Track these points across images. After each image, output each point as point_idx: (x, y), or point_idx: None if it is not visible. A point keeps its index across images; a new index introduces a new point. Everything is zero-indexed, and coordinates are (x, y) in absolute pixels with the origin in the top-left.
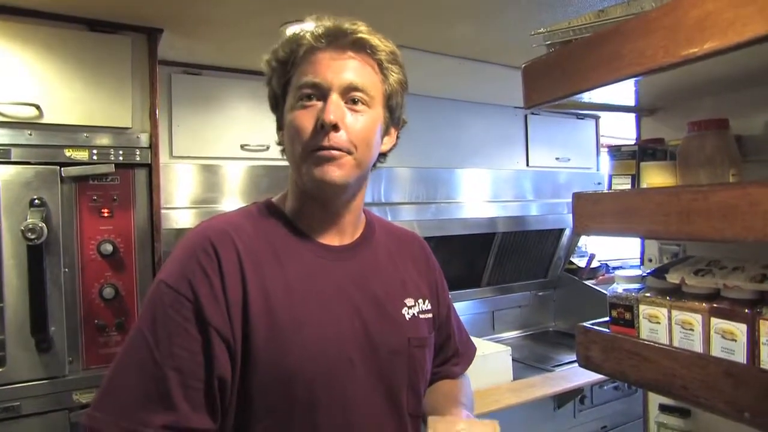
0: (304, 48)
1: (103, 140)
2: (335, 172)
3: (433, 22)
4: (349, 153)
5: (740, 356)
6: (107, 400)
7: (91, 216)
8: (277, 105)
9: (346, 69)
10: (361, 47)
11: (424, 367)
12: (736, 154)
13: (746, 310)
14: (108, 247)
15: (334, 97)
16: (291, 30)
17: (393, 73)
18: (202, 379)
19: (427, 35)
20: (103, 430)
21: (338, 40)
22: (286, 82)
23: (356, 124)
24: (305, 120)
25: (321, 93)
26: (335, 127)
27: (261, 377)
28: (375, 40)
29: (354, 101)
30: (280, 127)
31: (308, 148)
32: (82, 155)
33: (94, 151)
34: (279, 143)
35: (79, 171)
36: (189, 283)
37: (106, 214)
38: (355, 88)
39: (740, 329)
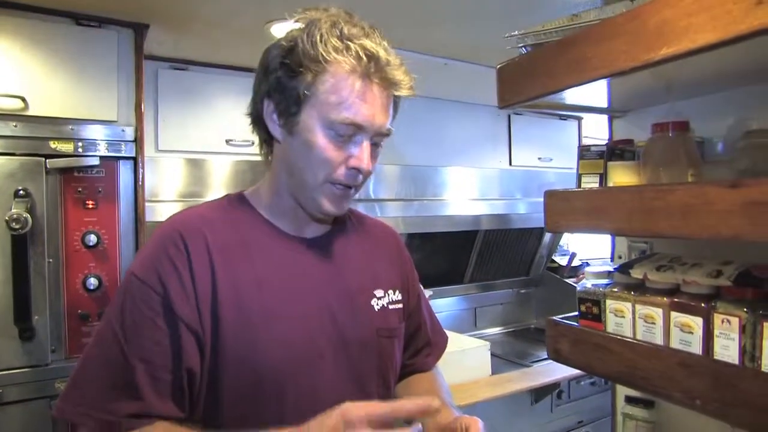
0: (357, 74)
1: (89, 133)
2: (344, 205)
3: (417, 23)
4: (358, 187)
5: (696, 348)
6: (76, 391)
7: (75, 207)
8: (289, 98)
9: (384, 112)
10: (398, 87)
11: (393, 357)
12: (696, 155)
13: (702, 305)
14: (92, 239)
15: (368, 143)
16: (281, 28)
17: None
18: (169, 370)
19: (412, 36)
20: (71, 419)
21: (388, 81)
22: (315, 85)
23: (373, 164)
24: (336, 153)
25: (358, 134)
26: (367, 173)
27: (230, 369)
28: (410, 82)
29: (378, 145)
30: (284, 121)
31: (329, 181)
32: (67, 147)
33: (80, 144)
34: (258, 133)
35: (65, 163)
36: (158, 275)
37: (90, 206)
38: (386, 135)
39: (697, 322)
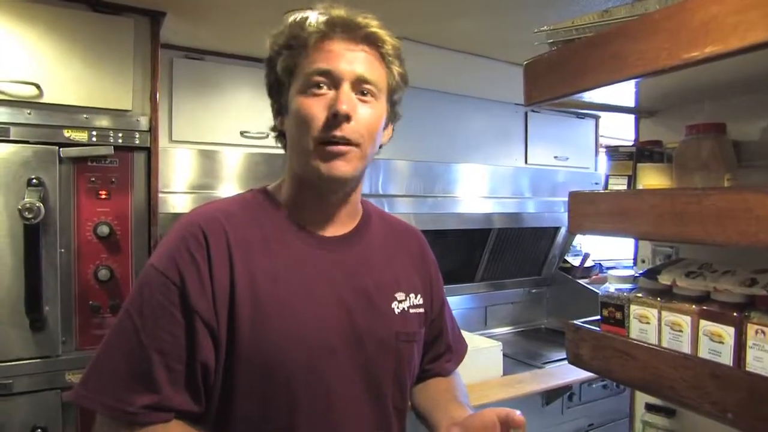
0: (317, 35)
1: (103, 122)
2: (343, 167)
3: (437, 16)
4: (357, 145)
5: (727, 359)
6: (93, 378)
7: (88, 197)
8: (279, 90)
9: (359, 61)
10: (373, 41)
11: (411, 362)
12: (732, 159)
13: (735, 314)
14: (104, 229)
15: (346, 88)
16: (298, 16)
17: (396, 68)
18: (184, 362)
19: (431, 29)
20: (86, 406)
21: (352, 32)
22: (292, 67)
23: (365, 116)
24: (316, 109)
25: (332, 82)
26: (347, 118)
27: (244, 364)
28: (385, 35)
29: (363, 93)
30: (278, 113)
31: (318, 140)
32: (81, 136)
33: (94, 133)
34: (274, 129)
35: (78, 152)
36: (177, 268)
37: (103, 196)
38: (366, 81)
39: (728, 332)
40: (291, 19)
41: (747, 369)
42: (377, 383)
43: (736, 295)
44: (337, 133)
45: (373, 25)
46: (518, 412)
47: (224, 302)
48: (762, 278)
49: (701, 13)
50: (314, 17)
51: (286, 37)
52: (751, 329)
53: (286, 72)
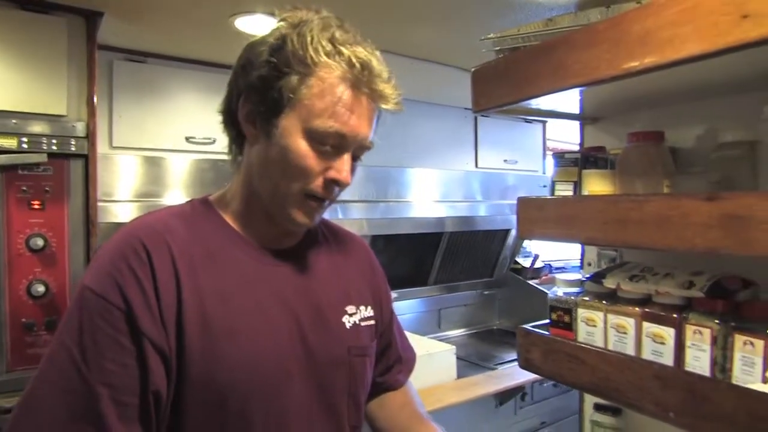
0: (347, 84)
1: (35, 128)
2: (316, 219)
3: (390, 23)
4: (333, 200)
5: (668, 359)
6: (24, 422)
7: (19, 208)
8: (269, 107)
9: (369, 125)
10: (385, 100)
11: (364, 376)
12: (671, 166)
13: (674, 315)
14: (38, 242)
15: (348, 156)
16: (244, 22)
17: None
18: (137, 394)
19: (384, 35)
20: None
21: (375, 85)
22: (301, 95)
23: (351, 177)
24: (314, 163)
25: (341, 144)
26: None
27: (193, 390)
28: (396, 92)
29: (358, 158)
30: (250, 119)
31: (305, 192)
32: (10, 143)
33: (24, 139)
34: (228, 132)
35: (6, 159)
36: (119, 289)
37: (36, 207)
38: (367, 148)
39: (669, 333)
40: (310, 35)
41: (686, 368)
42: (332, 402)
43: (675, 297)
44: (326, 195)
45: (394, 91)
46: None
47: (172, 323)
48: (699, 280)
49: (638, 26)
50: (344, 51)
51: (304, 55)
52: (689, 330)
53: (291, 98)
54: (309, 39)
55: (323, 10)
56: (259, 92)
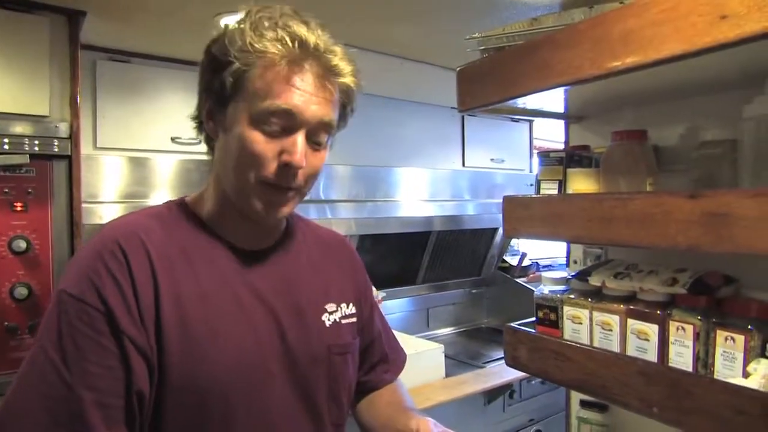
0: (286, 60)
1: (17, 128)
2: (284, 210)
3: (375, 21)
4: (299, 188)
5: (652, 355)
6: (8, 427)
7: (1, 210)
8: (220, 98)
9: (322, 103)
10: (336, 74)
11: (345, 375)
12: (654, 164)
13: (658, 312)
14: (21, 244)
15: (302, 137)
16: (229, 21)
17: (351, 106)
18: (121, 395)
19: (369, 33)
20: None
21: (323, 66)
22: (244, 81)
23: (313, 163)
24: (265, 149)
25: (289, 125)
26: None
27: (173, 391)
28: (355, 71)
29: (318, 141)
30: (210, 116)
31: (261, 180)
32: None
33: (6, 140)
34: (202, 133)
35: None
36: (97, 291)
37: (19, 209)
38: (325, 129)
39: (653, 329)
40: (250, 22)
41: (670, 364)
42: (313, 400)
43: (659, 294)
44: (283, 183)
45: (338, 54)
46: None
47: (151, 324)
48: (682, 277)
49: (620, 26)
50: (281, 32)
51: (243, 43)
52: (672, 326)
53: (235, 86)
54: (247, 26)
55: (285, 6)
56: (209, 87)
